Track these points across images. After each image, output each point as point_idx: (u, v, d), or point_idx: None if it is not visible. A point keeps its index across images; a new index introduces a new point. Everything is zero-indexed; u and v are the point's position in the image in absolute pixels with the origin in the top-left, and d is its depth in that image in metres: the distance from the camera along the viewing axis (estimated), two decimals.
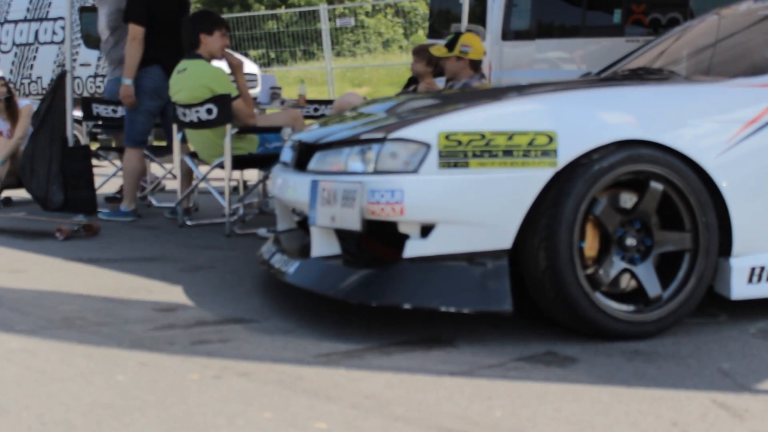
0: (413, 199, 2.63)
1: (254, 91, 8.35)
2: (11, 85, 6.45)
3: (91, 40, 9.92)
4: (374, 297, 2.70)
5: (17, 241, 4.49)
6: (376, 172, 2.71)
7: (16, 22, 11.44)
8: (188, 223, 5.01)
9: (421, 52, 5.67)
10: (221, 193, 4.86)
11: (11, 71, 10.89)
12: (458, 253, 2.65)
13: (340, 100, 5.56)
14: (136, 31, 5.04)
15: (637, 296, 2.78)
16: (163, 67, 5.12)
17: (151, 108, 5.19)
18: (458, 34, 5.13)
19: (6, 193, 6.09)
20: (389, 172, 2.69)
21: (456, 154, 2.64)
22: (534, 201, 2.65)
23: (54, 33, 11.35)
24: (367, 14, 19.13)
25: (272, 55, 16.23)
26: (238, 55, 5.10)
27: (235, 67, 4.89)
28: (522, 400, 2.23)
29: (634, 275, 2.77)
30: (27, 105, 6.22)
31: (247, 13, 17.32)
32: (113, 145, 5.84)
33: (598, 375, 2.42)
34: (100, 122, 6.07)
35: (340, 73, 15.92)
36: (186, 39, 4.86)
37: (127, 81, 5.06)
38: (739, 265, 2.83)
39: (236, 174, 5.63)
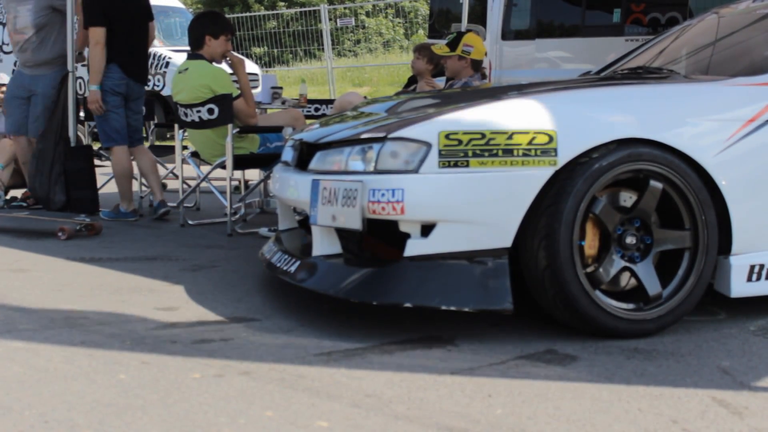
0: (414, 198, 2.64)
1: (255, 91, 8.36)
2: None
3: None
4: (375, 296, 2.71)
5: (20, 240, 4.50)
6: (377, 171, 2.72)
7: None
8: (189, 222, 5.03)
9: (422, 50, 5.68)
10: (223, 193, 4.88)
11: (13, 71, 10.88)
12: (459, 251, 2.66)
13: (341, 99, 5.56)
14: (99, 35, 5.05)
15: (636, 294, 2.79)
16: (120, 64, 5.14)
17: (115, 104, 5.18)
18: (460, 34, 5.14)
19: (13, 192, 6.12)
20: (390, 171, 2.70)
21: (456, 154, 2.65)
22: (534, 200, 2.66)
23: None
24: (367, 14, 19.14)
25: (274, 53, 16.24)
26: (237, 55, 5.12)
27: (237, 65, 4.90)
28: (522, 398, 2.24)
29: (633, 273, 2.78)
30: None
31: (248, 14, 17.33)
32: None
33: (598, 373, 2.43)
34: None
35: (340, 72, 15.93)
36: (191, 37, 4.88)
37: (95, 87, 5.05)
38: (739, 263, 2.84)
39: (237, 173, 5.64)
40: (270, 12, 18.03)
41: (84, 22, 5.13)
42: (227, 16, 15.24)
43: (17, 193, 6.12)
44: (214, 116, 4.68)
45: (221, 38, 4.83)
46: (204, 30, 4.83)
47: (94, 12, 5.09)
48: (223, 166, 4.76)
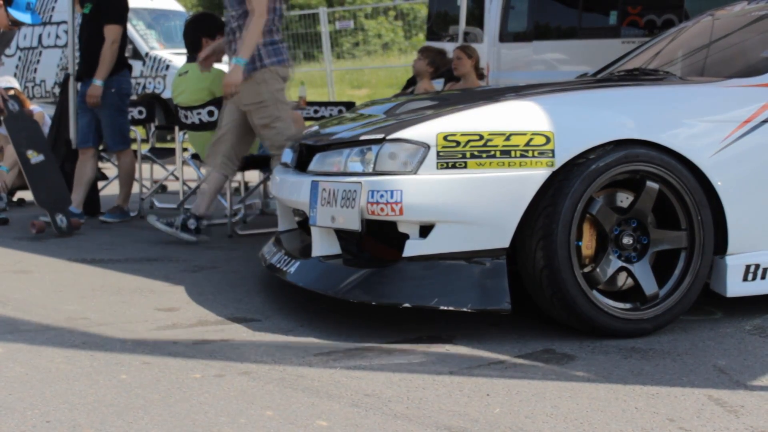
0: (412, 199, 2.66)
1: None
2: (18, 91, 6.41)
3: None
4: (374, 296, 2.73)
5: (21, 242, 4.52)
6: (376, 172, 2.74)
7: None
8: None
9: (426, 51, 5.74)
10: (223, 194, 4.89)
11: (15, 74, 10.92)
12: (457, 252, 2.68)
13: None
14: (118, 33, 4.97)
15: (633, 294, 2.81)
16: (129, 68, 5.18)
17: (126, 109, 5.22)
18: None
19: (20, 194, 6.15)
20: (388, 172, 2.72)
21: (454, 155, 2.67)
22: (532, 200, 2.68)
23: (57, 37, 11.38)
24: (366, 16, 19.15)
25: None
26: None
27: None
28: (520, 397, 2.26)
29: (630, 273, 2.79)
30: (38, 112, 6.22)
31: None
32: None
33: (596, 372, 2.45)
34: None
35: (339, 75, 15.94)
36: (187, 41, 4.90)
37: (99, 82, 4.94)
38: (735, 263, 2.86)
39: (237, 175, 5.66)
40: None
41: (105, 18, 5.01)
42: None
43: (25, 194, 6.14)
44: (214, 118, 4.70)
45: (218, 38, 4.85)
46: (199, 32, 4.84)
47: (118, 9, 5.05)
48: None
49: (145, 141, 6.34)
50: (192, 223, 4.36)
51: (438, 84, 6.11)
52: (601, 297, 2.75)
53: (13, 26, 4.95)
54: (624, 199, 2.83)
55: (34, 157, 4.77)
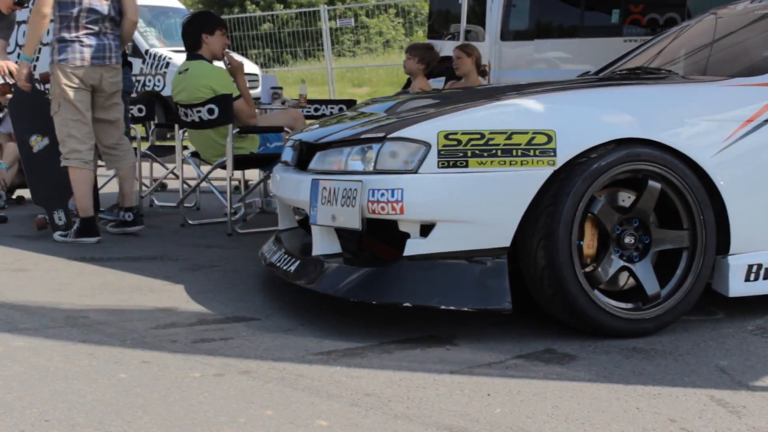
0: (413, 197, 2.65)
1: (255, 92, 8.39)
2: None
3: None
4: (374, 295, 2.72)
5: (20, 240, 4.51)
6: (376, 171, 2.73)
7: (19, 23, 11.45)
8: (190, 222, 5.04)
9: (414, 50, 5.72)
10: (223, 193, 4.89)
11: None
12: (458, 251, 2.67)
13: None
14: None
15: (635, 294, 2.80)
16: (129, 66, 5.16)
17: (126, 107, 5.14)
18: None
19: (19, 192, 6.14)
20: (389, 171, 2.71)
21: (455, 154, 2.66)
22: (533, 199, 2.67)
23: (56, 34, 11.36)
24: (367, 14, 19.15)
25: (274, 53, 16.25)
26: (237, 56, 5.13)
27: (236, 69, 4.91)
28: (521, 397, 2.25)
29: (632, 273, 2.79)
30: None
31: (247, 14, 17.35)
32: None
33: (597, 372, 2.44)
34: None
35: (340, 73, 15.95)
36: (187, 40, 4.89)
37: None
38: (737, 262, 2.85)
39: (237, 173, 5.65)
40: (269, 13, 18.05)
41: None
42: (226, 17, 15.28)
43: (24, 192, 6.13)
44: (214, 116, 4.69)
45: (217, 33, 4.85)
46: (199, 29, 4.84)
47: None
48: (223, 166, 4.77)
49: (144, 139, 6.33)
50: (128, 216, 4.62)
51: (439, 83, 6.10)
52: (602, 297, 2.74)
53: (17, 6, 4.92)
54: (626, 198, 2.82)
55: (38, 143, 4.67)
